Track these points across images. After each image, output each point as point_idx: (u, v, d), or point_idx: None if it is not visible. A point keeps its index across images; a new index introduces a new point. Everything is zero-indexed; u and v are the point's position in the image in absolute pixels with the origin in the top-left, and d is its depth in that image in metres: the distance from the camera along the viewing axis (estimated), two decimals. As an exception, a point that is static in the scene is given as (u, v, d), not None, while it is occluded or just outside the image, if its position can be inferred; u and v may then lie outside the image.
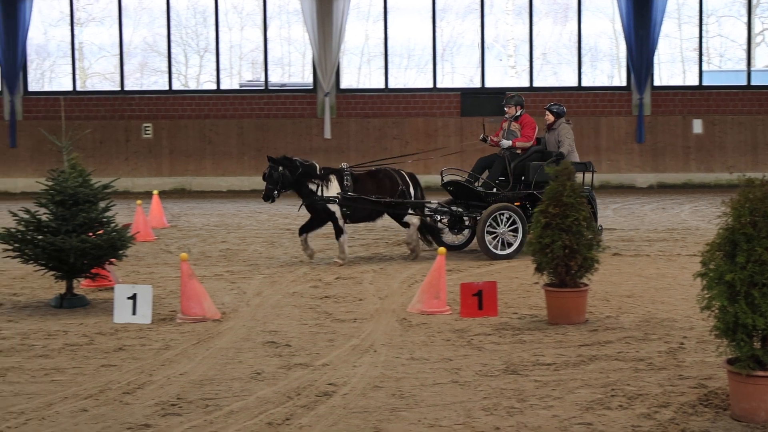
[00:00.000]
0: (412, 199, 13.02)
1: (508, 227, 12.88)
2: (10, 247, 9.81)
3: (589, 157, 22.05)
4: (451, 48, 24.86)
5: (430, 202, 13.22)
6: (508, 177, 13.40)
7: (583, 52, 23.29)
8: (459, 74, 25.03)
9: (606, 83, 24.23)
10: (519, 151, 13.65)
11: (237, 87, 24.65)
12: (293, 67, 25.90)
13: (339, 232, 12.58)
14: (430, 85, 23.05)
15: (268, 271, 12.14)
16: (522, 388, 6.93)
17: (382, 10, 22.95)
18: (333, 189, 12.59)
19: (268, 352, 8.07)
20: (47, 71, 26.41)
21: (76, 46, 23.84)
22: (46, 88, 24.62)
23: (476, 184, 13.47)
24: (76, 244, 9.52)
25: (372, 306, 9.97)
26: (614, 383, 7.02)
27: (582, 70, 23.15)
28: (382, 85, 23.17)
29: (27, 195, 22.13)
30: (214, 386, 7.07)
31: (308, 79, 23.57)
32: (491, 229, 12.82)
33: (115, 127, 22.83)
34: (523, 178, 13.38)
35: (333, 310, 9.74)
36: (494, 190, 13.31)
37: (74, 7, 23.25)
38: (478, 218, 12.93)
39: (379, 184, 12.92)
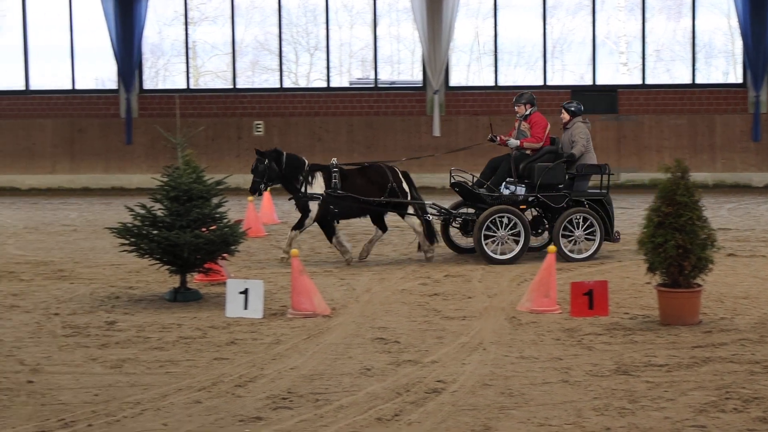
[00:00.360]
0: (408, 197, 12.69)
1: (509, 231, 12.42)
2: (127, 242, 10.05)
3: (703, 156, 21.60)
4: (562, 45, 24.60)
5: (422, 202, 12.82)
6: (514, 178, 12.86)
7: (697, 48, 22.83)
8: (569, 71, 24.75)
9: (721, 80, 23.71)
10: (528, 152, 13.10)
11: (347, 85, 24.80)
12: (402, 65, 25.93)
13: (298, 226, 12.44)
14: (540, 83, 22.88)
15: (377, 267, 12.20)
16: (633, 389, 6.83)
17: (492, 7, 22.85)
18: (317, 186, 12.39)
19: (377, 348, 8.11)
20: (161, 69, 26.95)
21: (190, 44, 24.27)
22: (160, 86, 25.15)
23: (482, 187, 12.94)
24: (189, 240, 9.70)
25: (481, 304, 9.94)
26: (729, 386, 6.87)
27: (696, 67, 22.71)
28: (491, 83, 23.08)
29: (142, 191, 22.62)
30: (324, 381, 7.14)
31: (417, 76, 23.59)
32: (489, 233, 12.36)
33: (227, 124, 23.20)
34: (526, 180, 12.84)
35: (442, 308, 9.74)
36: (498, 191, 12.77)
37: (188, 7, 23.70)
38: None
39: (369, 180, 12.64)
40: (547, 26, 22.86)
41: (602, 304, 9.28)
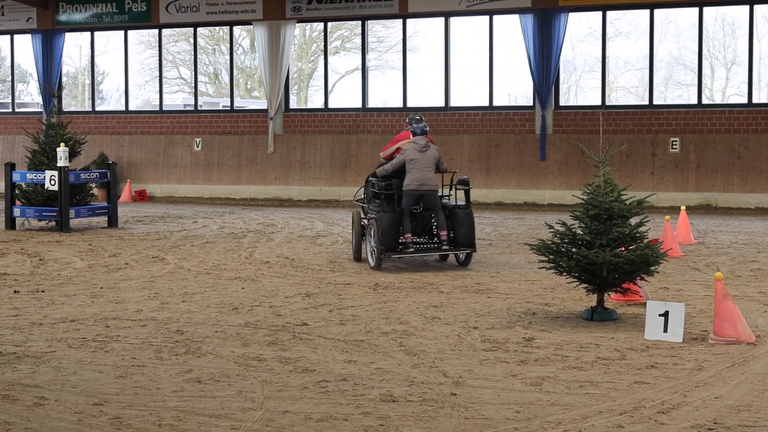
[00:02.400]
0: None
1: None
2: (545, 258, 10.07)
3: None
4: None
5: None
6: None
7: None
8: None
9: None
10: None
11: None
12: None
13: None
14: None
15: (806, 295, 11.39)
16: None
17: None
18: None
19: (812, 383, 7.53)
20: (573, 85, 27.06)
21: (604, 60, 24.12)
22: (572, 102, 25.20)
23: None
24: (609, 259, 9.56)
25: None
26: None
27: None
28: None
29: (553, 207, 22.81)
30: (752, 413, 6.73)
31: None
32: None
33: (642, 140, 22.81)
34: None
35: None
36: None
37: (606, 22, 23.55)
38: None
39: None
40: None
41: None
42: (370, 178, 14.59)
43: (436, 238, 13.85)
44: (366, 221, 14.26)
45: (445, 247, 13.62)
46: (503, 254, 15.26)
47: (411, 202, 13.66)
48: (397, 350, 8.65)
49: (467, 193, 14.12)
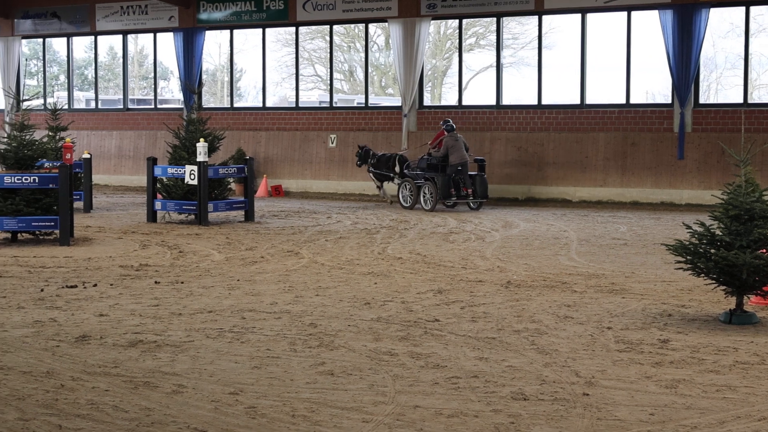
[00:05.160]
0: None
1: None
2: (683, 259, 9.87)
3: None
4: None
5: None
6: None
7: None
8: None
9: None
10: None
11: None
12: None
13: None
14: None
15: None
16: None
17: None
18: None
19: None
20: (713, 83, 26.43)
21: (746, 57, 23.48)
22: (712, 100, 24.59)
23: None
24: (749, 261, 9.31)
25: None
26: None
27: None
28: None
29: (691, 207, 22.32)
30: None
31: None
32: None
33: (785, 140, 22.12)
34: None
35: None
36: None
37: (749, 18, 22.89)
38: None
39: None
40: None
41: None
42: (425, 156, 22.76)
43: (464, 193, 22.14)
44: (417, 183, 22.54)
45: (471, 199, 22.20)
46: (638, 254, 15.01)
47: (453, 171, 21.96)
48: (528, 348, 8.60)
49: (483, 166, 22.72)
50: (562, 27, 25.51)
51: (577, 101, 24.56)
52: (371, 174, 24.21)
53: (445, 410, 6.73)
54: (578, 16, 24.45)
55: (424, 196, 22.20)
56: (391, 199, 23.85)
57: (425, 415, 6.63)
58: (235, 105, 29.58)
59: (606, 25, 24.62)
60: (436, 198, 21.82)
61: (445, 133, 22.17)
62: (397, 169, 23.35)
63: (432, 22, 26.47)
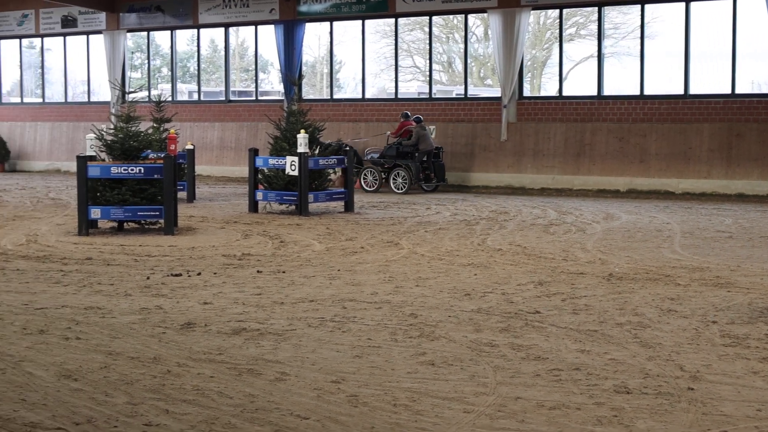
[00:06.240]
0: None
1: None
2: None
3: None
4: None
5: None
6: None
7: None
8: None
9: None
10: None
11: None
12: None
13: None
14: None
15: None
16: None
17: None
18: None
19: None
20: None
21: None
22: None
23: None
24: None
25: None
26: None
27: None
28: None
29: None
30: None
31: None
32: None
33: None
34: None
35: None
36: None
37: None
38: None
39: None
40: None
41: None
42: (394, 145, 25.26)
43: (426, 176, 25.16)
44: (386, 169, 25.43)
45: (434, 182, 25.12)
46: (744, 247, 14.71)
47: (422, 157, 24.95)
48: (631, 342, 8.50)
49: (442, 154, 25.59)
50: (664, 16, 25.09)
51: (681, 91, 24.14)
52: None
53: (547, 402, 6.69)
54: (682, 4, 24.04)
55: (395, 181, 25.01)
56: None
57: (527, 406, 6.61)
58: (335, 96, 29.78)
59: (710, 13, 24.13)
60: (410, 182, 24.74)
61: (413, 124, 25.02)
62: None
63: (532, 12, 26.27)
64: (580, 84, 27.05)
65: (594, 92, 25.32)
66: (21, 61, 35.68)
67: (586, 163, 24.83)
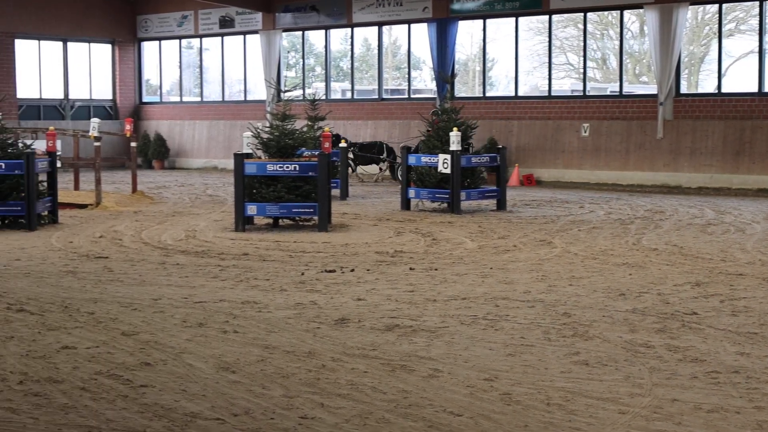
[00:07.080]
0: None
1: None
2: None
3: None
4: None
5: None
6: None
7: None
8: None
9: None
10: None
11: None
12: None
13: None
14: None
15: None
16: None
17: None
18: None
19: None
20: None
21: None
22: None
23: None
24: None
25: None
26: None
27: None
28: None
29: None
30: None
31: None
32: None
33: None
34: None
35: None
36: None
37: None
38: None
39: None
40: None
41: None
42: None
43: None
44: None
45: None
46: None
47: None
48: (794, 346, 8.23)
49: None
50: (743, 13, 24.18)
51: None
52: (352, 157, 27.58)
53: (705, 405, 6.55)
54: None
55: None
56: (380, 176, 28.64)
57: (683, 409, 6.48)
58: (487, 94, 29.71)
59: None
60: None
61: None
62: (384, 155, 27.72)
63: (690, 7, 25.65)
64: (740, 80, 26.28)
65: (754, 89, 24.55)
66: (180, 61, 36.81)
67: (746, 161, 24.11)
